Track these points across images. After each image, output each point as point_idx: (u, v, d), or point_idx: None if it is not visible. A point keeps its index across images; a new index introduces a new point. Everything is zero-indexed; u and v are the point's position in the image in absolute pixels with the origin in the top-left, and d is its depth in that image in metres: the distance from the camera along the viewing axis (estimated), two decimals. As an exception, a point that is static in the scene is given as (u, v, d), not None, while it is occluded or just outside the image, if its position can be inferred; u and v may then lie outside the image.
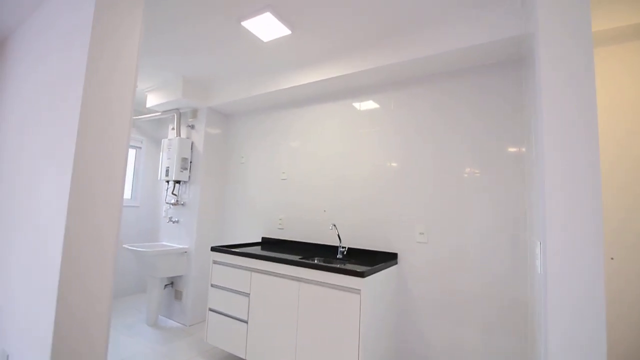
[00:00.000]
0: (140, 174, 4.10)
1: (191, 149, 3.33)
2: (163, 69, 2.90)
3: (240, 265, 2.38)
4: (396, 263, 2.26)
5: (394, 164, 2.37)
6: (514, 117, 1.98)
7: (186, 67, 2.83)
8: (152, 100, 3.36)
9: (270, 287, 2.16)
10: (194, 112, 3.35)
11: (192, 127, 3.37)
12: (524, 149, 1.93)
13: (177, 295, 3.25)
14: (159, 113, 3.56)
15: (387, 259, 2.28)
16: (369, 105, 2.56)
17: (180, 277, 3.25)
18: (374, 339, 1.89)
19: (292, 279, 2.08)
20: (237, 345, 2.30)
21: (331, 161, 2.68)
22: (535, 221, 1.48)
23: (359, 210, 2.48)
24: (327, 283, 1.93)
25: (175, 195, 3.35)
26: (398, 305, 2.25)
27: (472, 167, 2.08)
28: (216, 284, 2.50)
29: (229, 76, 2.99)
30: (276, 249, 2.69)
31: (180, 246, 3.24)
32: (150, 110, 3.67)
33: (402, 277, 2.25)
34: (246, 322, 2.26)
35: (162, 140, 3.38)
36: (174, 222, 3.37)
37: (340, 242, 2.40)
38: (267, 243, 2.96)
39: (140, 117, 3.76)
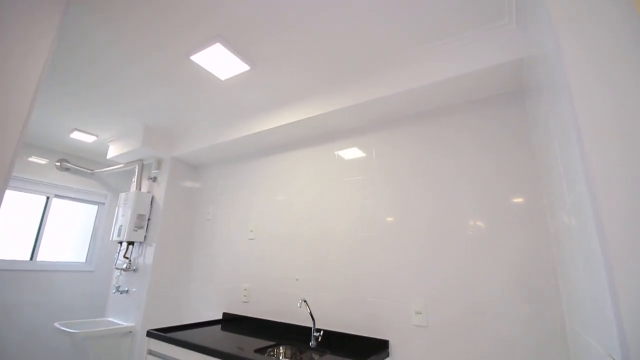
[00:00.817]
0: (99, 233, 3.62)
1: (151, 204, 2.90)
2: (123, 116, 2.61)
3: (175, 358, 1.78)
4: (387, 356, 1.66)
5: (385, 218, 1.90)
6: (523, 159, 1.56)
7: (146, 113, 2.53)
8: (113, 151, 3.03)
9: (211, 395, 1.55)
10: (158, 163, 2.99)
11: (154, 179, 2.98)
12: (542, 200, 1.48)
13: (116, 391, 2.54)
14: (122, 165, 3.21)
15: (374, 349, 1.69)
16: (352, 150, 2.17)
17: (123, 365, 2.58)
18: None
19: (239, 385, 1.48)
20: None
21: (306, 219, 2.22)
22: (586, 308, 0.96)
23: (340, 279, 1.95)
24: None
25: (127, 259, 2.83)
26: (392, 419, 1.60)
27: (479, 218, 1.61)
28: (148, 384, 1.87)
29: (193, 122, 2.68)
30: (238, 329, 2.09)
31: (125, 324, 2.63)
32: (112, 162, 3.33)
33: (396, 377, 1.64)
34: None
35: (120, 194, 2.97)
36: (121, 293, 2.80)
37: (314, 324, 1.82)
38: (229, 321, 2.36)
39: (103, 169, 3.41)
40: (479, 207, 1.62)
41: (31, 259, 3.13)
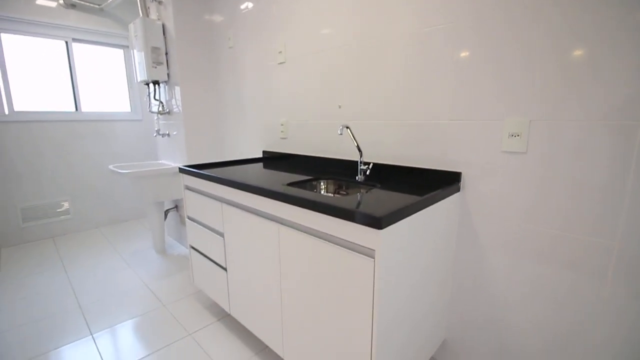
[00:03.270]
0: (133, 80, 3.39)
1: (163, 34, 2.40)
2: None
3: (210, 194, 1.63)
4: (457, 190, 1.26)
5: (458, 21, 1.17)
6: None
7: None
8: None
9: (245, 227, 1.39)
10: (158, -24, 2.31)
11: (160, 1, 2.37)
12: None
13: (183, 220, 2.77)
14: (123, -13, 2.59)
15: (438, 182, 1.30)
16: None
17: (182, 200, 2.71)
18: (400, 310, 1.06)
19: (270, 219, 1.26)
20: (219, 294, 1.70)
21: (349, 26, 1.54)
22: None
23: (396, 99, 1.42)
24: (315, 231, 1.07)
25: (158, 101, 2.60)
26: (454, 256, 1.34)
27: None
28: (191, 216, 1.84)
29: None
30: (277, 166, 1.85)
31: (174, 165, 2.62)
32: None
33: (466, 215, 1.28)
34: (225, 269, 1.61)
35: (129, 26, 2.49)
36: (163, 136, 2.70)
37: (361, 154, 1.44)
38: (268, 159, 2.14)
39: (109, 0, 2.85)
40: None
41: (76, 109, 3.10)
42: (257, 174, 1.58)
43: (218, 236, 1.59)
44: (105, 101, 3.31)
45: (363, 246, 0.91)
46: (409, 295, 1.06)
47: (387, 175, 1.48)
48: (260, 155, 2.22)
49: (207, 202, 1.64)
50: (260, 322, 1.43)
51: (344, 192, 1.49)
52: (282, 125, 2.00)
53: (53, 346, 1.60)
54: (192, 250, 1.89)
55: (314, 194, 1.12)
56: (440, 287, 1.30)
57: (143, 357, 1.52)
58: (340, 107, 1.64)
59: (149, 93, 2.62)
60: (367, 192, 1.24)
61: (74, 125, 3.04)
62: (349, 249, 0.96)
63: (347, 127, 1.39)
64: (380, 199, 1.06)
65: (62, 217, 3.07)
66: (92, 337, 1.67)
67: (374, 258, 0.88)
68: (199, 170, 1.66)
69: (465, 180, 1.26)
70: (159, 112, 2.60)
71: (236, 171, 1.64)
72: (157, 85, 2.55)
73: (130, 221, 3.51)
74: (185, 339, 1.65)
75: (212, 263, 1.70)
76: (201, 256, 1.80)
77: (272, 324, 1.35)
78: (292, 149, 1.97)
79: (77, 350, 1.58)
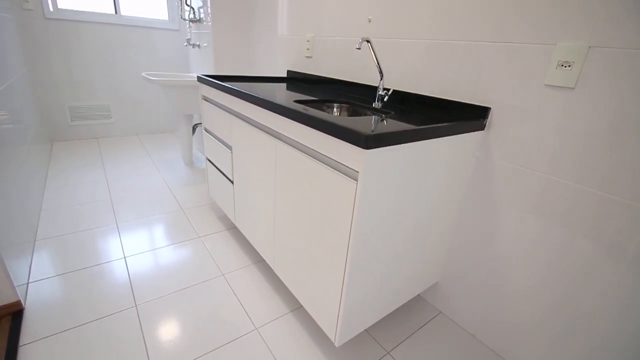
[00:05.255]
0: (171, -15, 3.24)
1: None
2: None
3: (222, 105, 1.60)
4: (481, 128, 1.10)
5: None
6: None
7: None
8: None
9: (250, 141, 1.37)
10: None
11: None
12: None
13: (210, 137, 2.84)
14: None
15: (463, 116, 1.14)
16: None
17: (208, 117, 2.74)
18: (382, 242, 1.03)
19: (270, 134, 1.21)
20: (227, 205, 1.78)
21: None
22: None
23: (426, 8, 1.20)
24: (306, 147, 1.01)
25: (189, 6, 2.48)
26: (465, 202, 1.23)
27: None
28: (207, 128, 1.85)
29: None
30: (299, 88, 1.74)
31: (202, 79, 2.59)
32: None
33: (486, 159, 1.13)
34: (232, 181, 1.64)
35: None
36: (193, 47, 2.64)
37: (382, 77, 1.28)
38: (292, 80, 2.02)
39: None
40: None
41: (115, 12, 3.08)
42: (273, 91, 1.50)
43: (227, 149, 1.60)
44: (144, 7, 3.24)
45: (347, 166, 0.84)
46: (396, 229, 1.01)
47: (408, 105, 1.33)
48: (283, 75, 2.11)
49: (219, 114, 1.62)
50: (257, 235, 1.48)
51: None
52: (308, 41, 1.84)
53: (86, 227, 1.82)
54: (207, 162, 1.94)
55: (305, 107, 1.04)
56: (440, 231, 1.22)
57: (154, 249, 1.69)
58: (370, 20, 1.44)
59: (181, -2, 2.50)
60: (376, 117, 1.12)
61: (113, 29, 3.06)
62: (335, 168, 0.90)
63: (368, 41, 1.21)
64: (384, 124, 0.95)
65: (106, 120, 3.29)
66: (117, 225, 1.87)
67: (356, 181, 0.82)
68: (213, 79, 1.61)
69: (492, 118, 1.09)
70: (190, 20, 2.50)
71: (253, 87, 1.57)
72: (188, -11, 2.42)
73: (166, 133, 3.69)
74: (195, 240, 1.79)
75: (222, 175, 1.75)
76: (214, 168, 1.85)
77: (267, 236, 1.39)
78: (317, 70, 1.83)
79: (104, 233, 1.78)
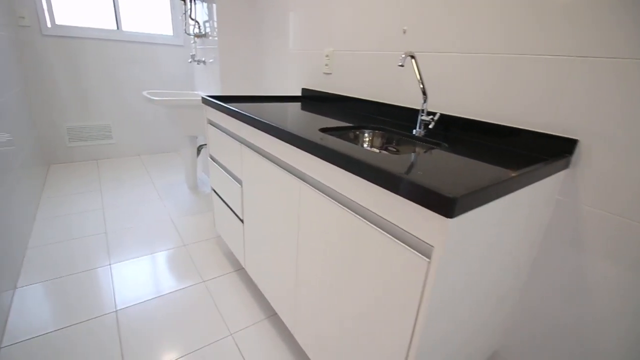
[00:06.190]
0: (176, 1, 3.09)
1: None
2: None
3: (230, 132, 1.37)
4: (565, 166, 0.85)
5: None
6: None
7: None
8: None
9: (263, 177, 1.13)
10: None
11: None
12: None
13: (216, 159, 2.62)
14: None
15: (538, 151, 0.89)
16: None
17: (214, 137, 2.53)
18: (450, 329, 0.77)
19: (290, 172, 0.97)
20: (236, 245, 1.53)
21: None
22: None
23: (483, 18, 0.97)
24: (344, 197, 0.76)
25: (194, 20, 2.29)
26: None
27: None
28: (213, 155, 1.62)
29: None
30: (317, 108, 1.51)
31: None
32: None
33: (571, 203, 0.87)
34: (242, 220, 1.40)
35: None
36: (198, 63, 2.44)
37: (426, 100, 1.04)
38: (308, 99, 1.80)
39: None
40: None
41: (117, 28, 2.92)
42: (287, 114, 1.27)
43: (236, 183, 1.36)
44: (147, 22, 3.09)
45: (415, 237, 0.59)
46: (466, 304, 0.75)
47: (458, 133, 1.08)
48: (299, 94, 1.88)
49: (227, 142, 1.39)
50: (272, 289, 1.23)
51: (394, 149, 1.13)
52: (327, 57, 1.62)
53: (76, 269, 1.58)
54: (213, 192, 1.71)
55: (348, 144, 0.79)
56: (504, 294, 0.96)
57: (150, 299, 1.44)
58: (405, 31, 1.21)
59: (185, 11, 2.32)
60: (427, 152, 0.88)
61: (115, 45, 2.89)
62: (391, 234, 0.65)
63: (412, 57, 0.98)
64: (448, 166, 0.70)
65: (106, 141, 3.10)
66: (110, 268, 1.63)
67: (429, 259, 0.56)
68: (219, 101, 1.39)
69: (581, 153, 0.84)
70: (195, 35, 2.31)
71: (264, 109, 1.34)
72: (193, 2, 2.23)
73: (170, 153, 3.49)
74: (198, 286, 1.54)
75: (230, 211, 1.51)
76: (221, 201, 1.61)
77: (285, 293, 1.13)
78: (337, 88, 1.60)
79: (94, 278, 1.54)
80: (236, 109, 1.22)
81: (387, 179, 0.61)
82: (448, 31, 1.06)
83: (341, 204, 0.78)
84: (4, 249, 1.44)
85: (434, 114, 1.08)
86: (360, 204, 0.70)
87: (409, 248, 0.60)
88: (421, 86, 1.02)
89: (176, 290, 1.50)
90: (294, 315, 1.10)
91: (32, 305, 1.36)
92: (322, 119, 1.20)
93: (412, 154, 1.02)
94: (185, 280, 1.57)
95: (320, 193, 0.84)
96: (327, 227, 0.83)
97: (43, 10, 2.54)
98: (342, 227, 0.77)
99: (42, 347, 1.17)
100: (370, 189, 0.67)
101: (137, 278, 1.56)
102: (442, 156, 0.79)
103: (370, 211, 0.68)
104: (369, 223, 0.69)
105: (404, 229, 0.60)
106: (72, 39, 2.71)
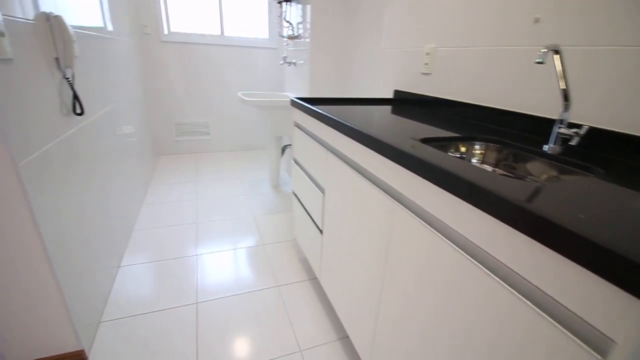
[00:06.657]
0: (273, 5, 3.20)
1: None
2: None
3: (316, 136, 1.29)
4: None
5: None
6: None
7: None
8: None
9: (349, 189, 1.01)
10: None
11: None
12: None
13: (298, 160, 2.63)
14: None
15: None
16: None
17: (299, 138, 2.53)
18: None
19: (382, 189, 0.83)
20: (313, 254, 1.46)
21: None
22: None
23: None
24: (458, 235, 0.59)
25: (288, 22, 2.31)
26: None
27: None
28: (297, 159, 1.58)
29: None
30: (413, 113, 1.33)
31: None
32: None
33: None
34: (321, 231, 1.31)
35: None
36: (289, 65, 2.46)
37: (567, 107, 0.79)
38: (402, 102, 1.62)
39: None
40: None
41: (221, 33, 3.16)
42: (379, 119, 1.13)
43: (318, 191, 1.28)
44: (246, 27, 3.28)
45: (586, 322, 0.40)
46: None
47: (614, 155, 0.80)
48: (391, 96, 1.72)
49: (312, 147, 1.32)
50: (347, 310, 1.11)
51: (515, 168, 0.90)
52: (427, 54, 1.42)
53: (168, 255, 1.72)
54: (294, 196, 1.68)
55: (461, 162, 0.62)
56: None
57: (228, 296, 1.46)
58: (537, 20, 0.95)
59: (281, 13, 2.36)
60: (575, 180, 0.65)
61: (218, 49, 3.14)
62: (546, 312, 0.46)
63: (557, 52, 0.74)
64: (622, 207, 0.48)
65: (204, 136, 3.40)
66: (197, 259, 1.73)
67: (604, 359, 0.37)
68: (307, 104, 1.32)
69: None
70: (288, 37, 2.34)
71: (353, 112, 1.23)
72: (288, 5, 2.25)
73: (259, 150, 3.67)
74: (272, 290, 1.51)
75: (309, 218, 1.44)
76: (301, 206, 1.56)
77: (360, 324, 1.00)
78: (437, 91, 1.40)
79: (182, 268, 1.65)
80: (322, 112, 1.13)
81: (545, 229, 0.42)
82: (593, 20, 0.79)
83: (446, 236, 0.61)
84: (118, 229, 1.64)
85: (578, 126, 0.81)
86: (491, 253, 0.53)
87: (574, 338, 0.41)
88: (563, 87, 0.78)
89: (251, 291, 1.50)
90: (370, 352, 0.96)
91: (131, 285, 1.50)
92: (420, 126, 1.03)
93: (556, 182, 0.78)
94: (260, 281, 1.57)
95: (424, 223, 0.68)
96: (430, 270, 0.67)
97: (162, 19, 2.88)
98: (449, 268, 0.61)
99: (130, 328, 1.27)
100: (509, 237, 0.49)
101: (219, 272, 1.62)
102: (605, 189, 0.56)
103: (507, 267, 0.50)
104: (507, 286, 0.51)
105: (569, 307, 0.41)
106: (184, 44, 3.02)
